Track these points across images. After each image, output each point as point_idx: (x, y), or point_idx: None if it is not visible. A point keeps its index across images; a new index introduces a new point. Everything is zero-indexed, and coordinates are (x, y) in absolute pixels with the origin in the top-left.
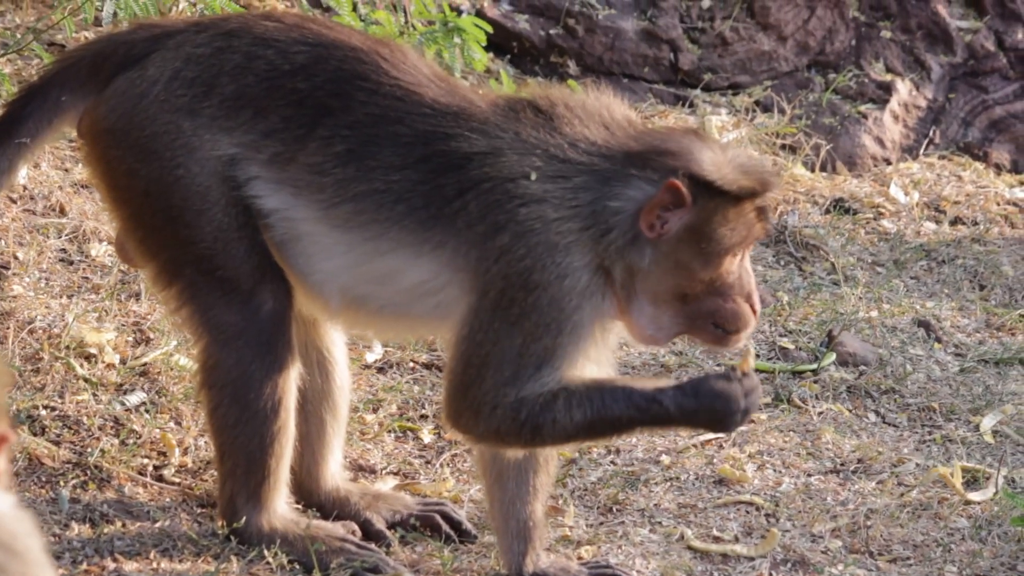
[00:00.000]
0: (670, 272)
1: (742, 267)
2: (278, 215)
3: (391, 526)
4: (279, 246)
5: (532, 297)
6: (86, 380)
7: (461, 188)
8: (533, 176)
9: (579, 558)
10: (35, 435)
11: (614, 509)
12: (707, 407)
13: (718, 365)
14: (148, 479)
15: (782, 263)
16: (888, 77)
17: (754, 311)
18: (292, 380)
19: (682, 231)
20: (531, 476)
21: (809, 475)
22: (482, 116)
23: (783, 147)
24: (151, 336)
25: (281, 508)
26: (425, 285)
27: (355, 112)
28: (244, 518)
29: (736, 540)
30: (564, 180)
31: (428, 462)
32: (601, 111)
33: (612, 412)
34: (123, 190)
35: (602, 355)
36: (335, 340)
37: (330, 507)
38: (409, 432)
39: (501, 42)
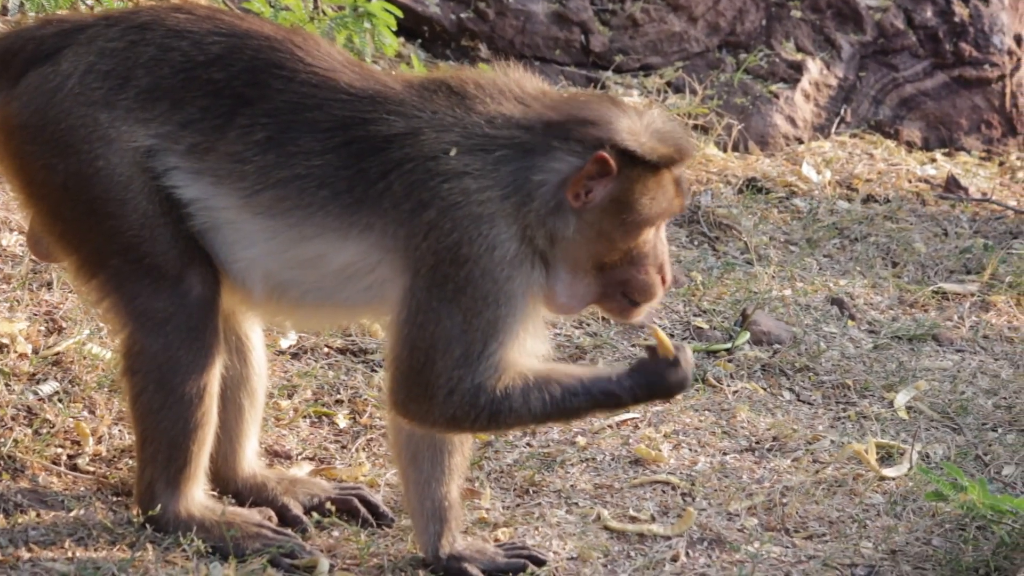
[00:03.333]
0: (592, 241)
1: (658, 238)
2: (198, 204)
3: (308, 511)
4: (200, 236)
5: (464, 271)
6: None
7: (384, 170)
8: (453, 152)
9: (496, 540)
10: None
11: (530, 491)
12: (661, 393)
13: (633, 346)
14: (62, 468)
15: (696, 243)
16: (799, 56)
17: (664, 282)
18: (217, 366)
19: (606, 201)
20: (446, 457)
21: (725, 454)
22: (398, 98)
23: (695, 128)
24: (64, 325)
25: (198, 495)
26: (352, 268)
27: (272, 100)
28: (161, 505)
29: (652, 520)
30: (484, 153)
31: (344, 447)
32: (512, 86)
33: (570, 404)
34: (40, 185)
35: (539, 328)
36: (253, 326)
37: (247, 493)
38: (324, 417)
39: (412, 26)
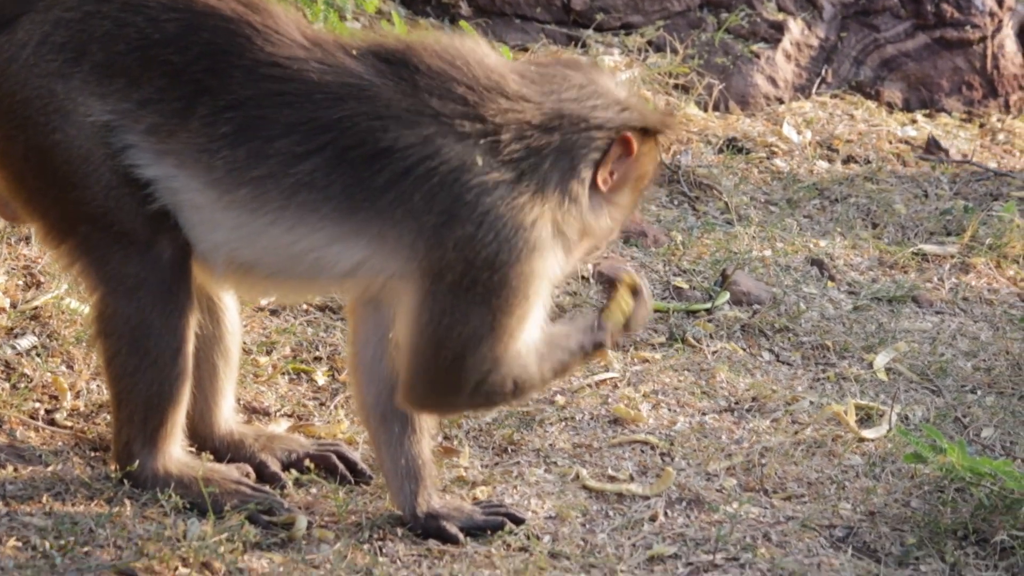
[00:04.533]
0: (616, 219)
1: None
2: (160, 184)
3: (286, 467)
4: (170, 212)
5: (498, 275)
6: None
7: (393, 179)
8: (480, 162)
9: (474, 499)
10: None
11: (509, 450)
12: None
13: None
14: (40, 423)
15: (676, 203)
16: (780, 16)
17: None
18: (191, 327)
19: (626, 177)
20: (415, 416)
21: (704, 414)
22: (384, 98)
23: (676, 87)
24: (42, 280)
25: (176, 452)
26: (351, 268)
27: (235, 92)
28: (139, 462)
29: (631, 479)
30: (514, 162)
31: (322, 404)
32: (496, 74)
33: (569, 362)
34: (2, 155)
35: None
36: None
37: (224, 450)
38: (303, 374)
39: None
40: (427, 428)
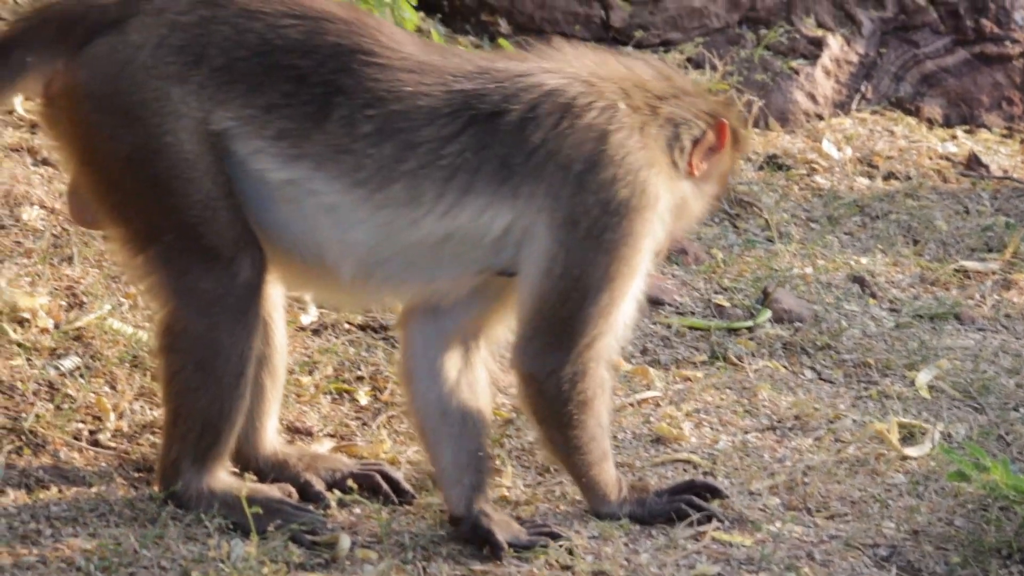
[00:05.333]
0: (698, 207)
1: None
2: (292, 187)
3: (330, 487)
4: (282, 219)
5: (626, 221)
6: (20, 345)
7: (545, 136)
8: (623, 106)
9: (518, 518)
10: None
11: (552, 469)
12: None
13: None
14: (83, 444)
15: (716, 220)
16: (819, 32)
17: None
18: (255, 348)
19: (708, 174)
20: (476, 411)
21: (746, 432)
22: (517, 69)
23: None
24: (84, 300)
25: (222, 473)
26: (501, 239)
27: (371, 90)
28: (183, 482)
29: None
30: (643, 115)
31: (365, 424)
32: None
33: (591, 452)
34: (102, 155)
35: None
36: (276, 304)
37: (268, 470)
38: (345, 394)
39: (432, 1)
40: (486, 424)
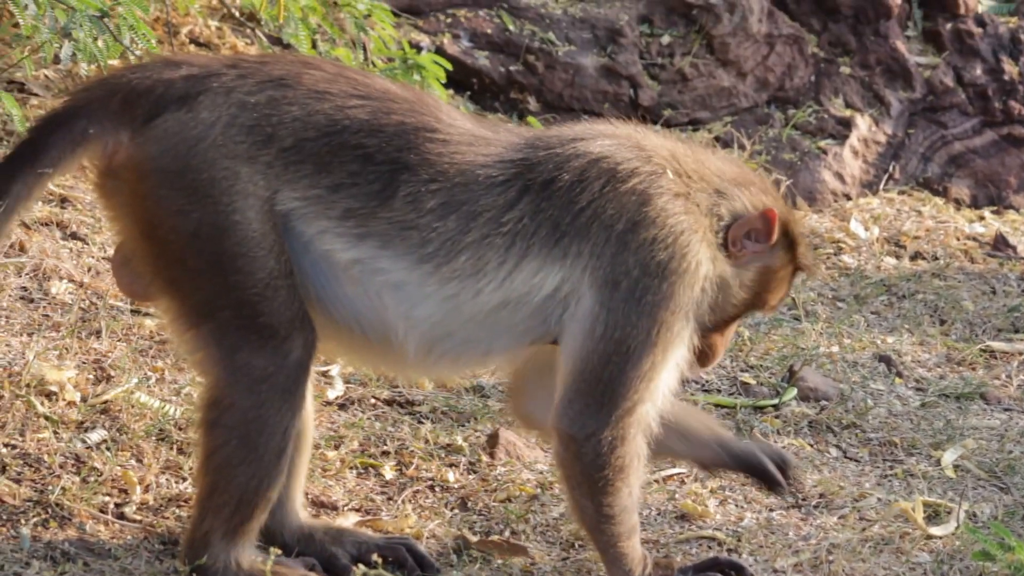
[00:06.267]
0: (738, 294)
1: None
2: (359, 267)
3: (355, 561)
4: (346, 297)
5: (666, 284)
6: (47, 418)
7: (591, 199)
8: (670, 173)
9: None
10: None
11: (576, 545)
12: None
13: None
14: (109, 517)
15: None
16: (847, 113)
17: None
18: (297, 427)
19: (752, 266)
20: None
21: (771, 510)
22: (564, 137)
23: None
24: (112, 373)
25: (249, 548)
26: (550, 299)
27: (435, 165)
28: (210, 555)
29: None
30: (687, 179)
31: (390, 498)
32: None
33: (619, 524)
34: (165, 229)
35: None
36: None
37: (294, 544)
38: (371, 468)
39: (461, 79)
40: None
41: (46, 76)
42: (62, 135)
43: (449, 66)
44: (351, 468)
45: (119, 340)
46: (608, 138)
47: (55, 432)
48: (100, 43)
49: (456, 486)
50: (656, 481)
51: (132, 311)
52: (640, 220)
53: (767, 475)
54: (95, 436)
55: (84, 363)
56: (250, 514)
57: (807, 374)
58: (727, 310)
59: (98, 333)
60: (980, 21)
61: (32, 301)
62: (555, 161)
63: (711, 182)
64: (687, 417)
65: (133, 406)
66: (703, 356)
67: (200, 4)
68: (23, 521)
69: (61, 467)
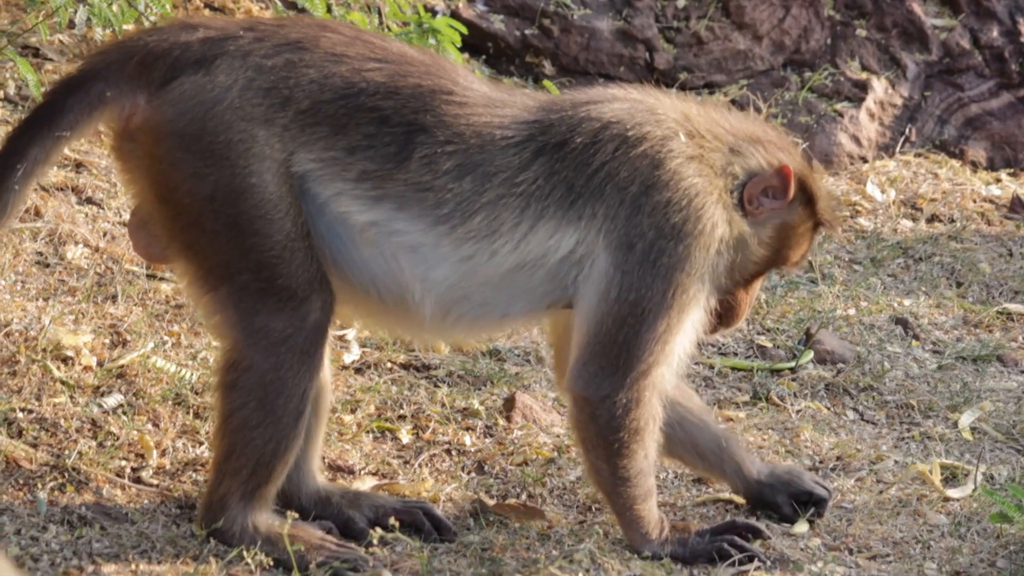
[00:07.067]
0: (757, 250)
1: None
2: (376, 229)
3: (372, 525)
4: (362, 259)
5: (682, 247)
6: (63, 383)
7: (604, 160)
8: (682, 136)
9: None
10: (12, 438)
11: (593, 508)
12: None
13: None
14: (126, 481)
15: None
16: (864, 75)
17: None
18: (314, 390)
19: (769, 222)
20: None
21: None
22: (579, 100)
23: None
24: (128, 338)
25: (266, 510)
26: (565, 261)
27: (451, 127)
28: (227, 518)
29: None
30: (700, 140)
31: (407, 462)
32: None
33: (635, 484)
34: (182, 193)
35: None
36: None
37: (311, 508)
38: (387, 432)
39: (476, 43)
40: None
41: (61, 41)
42: (79, 98)
43: (464, 30)
44: (368, 432)
45: (135, 304)
46: (621, 101)
47: (71, 397)
48: (115, 7)
49: (473, 450)
50: None
51: (148, 275)
52: (653, 183)
53: (779, 512)
54: (111, 400)
55: (100, 327)
56: (267, 477)
57: (824, 337)
58: (748, 268)
59: (114, 298)
60: None
61: (48, 266)
62: (568, 123)
63: (725, 141)
64: (704, 435)
65: (149, 370)
66: (728, 315)
67: None
68: (40, 485)
69: (78, 431)
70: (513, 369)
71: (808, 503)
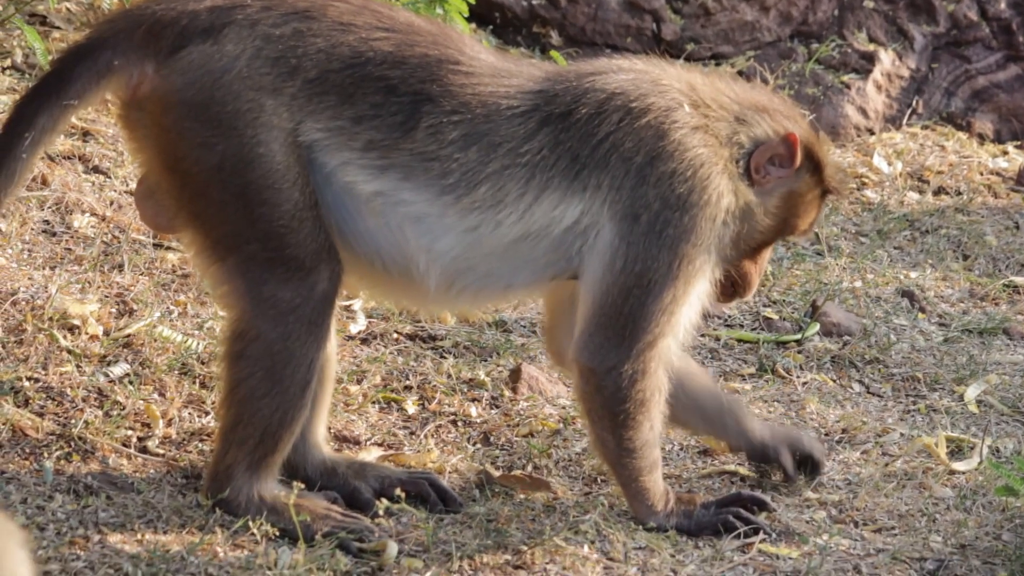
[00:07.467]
0: (764, 220)
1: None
2: (382, 199)
3: (378, 495)
4: (368, 229)
5: (687, 217)
6: (69, 352)
7: (609, 131)
8: (687, 107)
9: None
10: (19, 407)
11: (598, 480)
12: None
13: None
14: (132, 451)
15: None
16: (871, 47)
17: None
18: (321, 360)
19: (776, 191)
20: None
21: None
22: (585, 71)
23: None
24: (134, 307)
25: (272, 481)
26: (570, 232)
27: (457, 97)
28: (233, 488)
29: None
30: (705, 109)
31: (412, 433)
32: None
33: (641, 456)
34: (189, 162)
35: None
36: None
37: (316, 478)
38: (393, 403)
39: (483, 12)
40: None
41: (68, 9)
42: (86, 67)
43: None
44: (373, 403)
45: (141, 274)
46: (626, 72)
47: (78, 366)
48: None
49: (478, 421)
50: None
51: (154, 245)
52: (658, 154)
53: (783, 470)
54: (118, 370)
55: (107, 297)
56: (273, 447)
57: (830, 309)
58: (755, 238)
59: (120, 267)
60: None
61: (55, 235)
62: (573, 94)
63: (731, 111)
64: (707, 396)
65: (156, 340)
66: (738, 285)
67: None
68: (46, 454)
69: (84, 401)
70: (519, 340)
71: (804, 465)
